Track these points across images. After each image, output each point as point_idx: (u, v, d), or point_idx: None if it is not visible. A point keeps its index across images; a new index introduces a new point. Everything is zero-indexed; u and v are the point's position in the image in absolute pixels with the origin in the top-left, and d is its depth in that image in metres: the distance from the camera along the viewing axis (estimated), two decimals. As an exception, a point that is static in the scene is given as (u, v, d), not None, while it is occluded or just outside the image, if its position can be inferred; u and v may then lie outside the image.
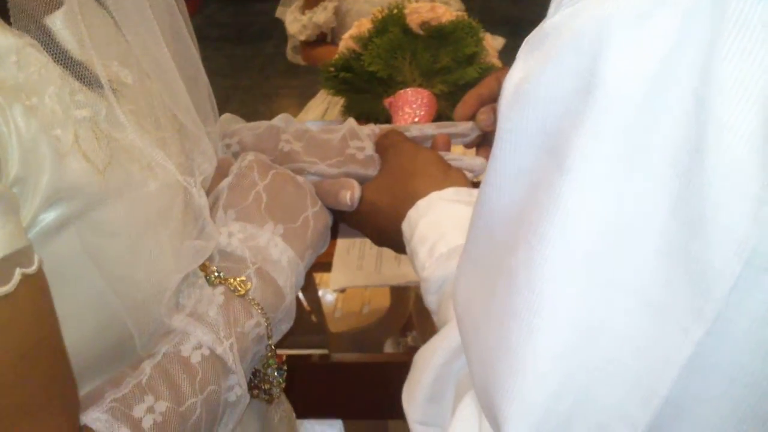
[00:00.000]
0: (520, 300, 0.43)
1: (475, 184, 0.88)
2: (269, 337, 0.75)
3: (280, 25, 2.44)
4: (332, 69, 1.58)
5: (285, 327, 0.78)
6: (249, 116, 0.98)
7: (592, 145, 0.39)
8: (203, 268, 0.72)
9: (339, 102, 1.70)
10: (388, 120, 1.42)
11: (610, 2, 0.38)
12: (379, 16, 1.60)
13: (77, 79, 0.60)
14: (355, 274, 1.47)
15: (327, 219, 0.85)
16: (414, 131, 0.94)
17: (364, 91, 1.56)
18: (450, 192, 0.81)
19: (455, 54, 1.50)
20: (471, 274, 0.51)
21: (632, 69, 0.37)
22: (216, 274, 0.73)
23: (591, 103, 0.38)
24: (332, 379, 1.60)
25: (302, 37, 2.29)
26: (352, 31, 1.62)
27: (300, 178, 0.85)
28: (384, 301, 1.95)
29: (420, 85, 1.48)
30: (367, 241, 1.25)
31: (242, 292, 0.72)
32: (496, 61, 1.57)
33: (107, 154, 0.60)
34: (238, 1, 7.11)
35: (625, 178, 0.39)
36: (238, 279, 0.73)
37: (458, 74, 1.50)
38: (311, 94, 2.39)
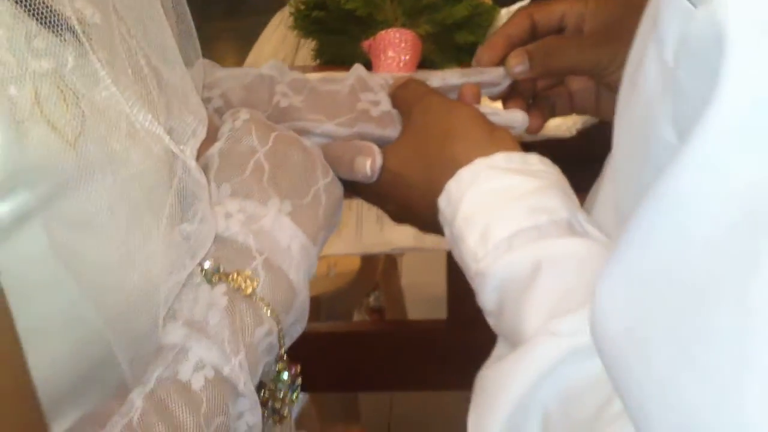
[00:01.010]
0: None
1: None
2: (281, 346, 0.60)
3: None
4: (303, 7, 1.41)
5: (297, 330, 0.64)
6: (188, 63, 0.82)
7: None
8: None
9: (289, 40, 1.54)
10: (367, 66, 1.27)
11: None
12: (358, -53, 1.43)
13: (34, 19, 0.46)
14: (333, 242, 1.31)
15: (340, 192, 0.69)
16: (435, 81, 0.79)
17: (339, 32, 1.40)
18: (500, 158, 0.65)
19: (442, -11, 1.35)
20: (637, 300, 0.38)
21: None
22: (215, 267, 0.57)
23: None
24: (300, 350, 1.49)
25: None
26: (327, -36, 1.45)
27: (307, 142, 0.69)
28: (351, 262, 1.82)
29: (403, 25, 1.34)
30: (344, 203, 1.08)
31: (248, 291, 0.57)
32: (486, -2, 1.42)
33: (78, 119, 0.47)
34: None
35: None
36: (242, 274, 0.57)
37: (446, 12, 1.35)
38: (256, 37, 2.21)
